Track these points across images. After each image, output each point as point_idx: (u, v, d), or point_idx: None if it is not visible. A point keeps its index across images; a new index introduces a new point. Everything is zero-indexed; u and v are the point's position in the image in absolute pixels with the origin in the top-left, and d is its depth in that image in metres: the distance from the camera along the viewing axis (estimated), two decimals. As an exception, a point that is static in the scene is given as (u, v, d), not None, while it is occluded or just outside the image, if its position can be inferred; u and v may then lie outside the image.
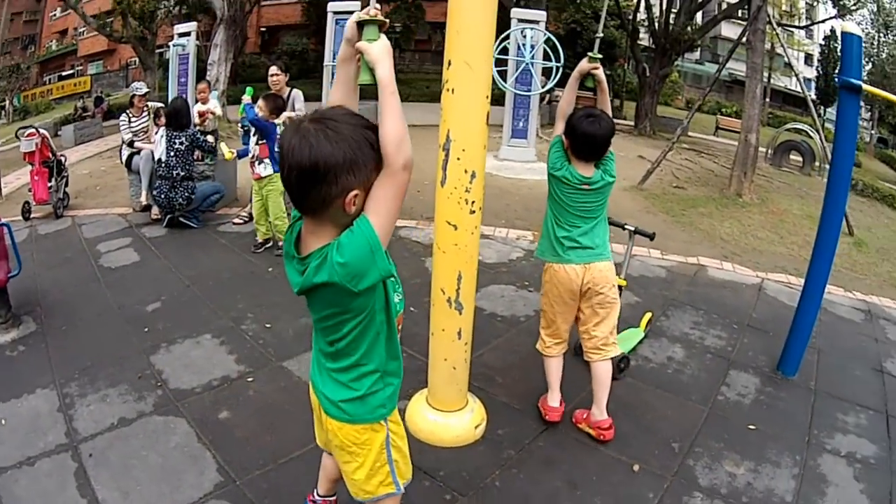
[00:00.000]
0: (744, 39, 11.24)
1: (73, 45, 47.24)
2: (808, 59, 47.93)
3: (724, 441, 3.71)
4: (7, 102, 29.90)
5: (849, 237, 9.51)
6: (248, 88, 6.89)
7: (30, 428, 3.57)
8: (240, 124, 7.67)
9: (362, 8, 1.92)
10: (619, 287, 4.27)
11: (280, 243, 6.34)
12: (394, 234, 5.77)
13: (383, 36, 1.89)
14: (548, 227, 3.61)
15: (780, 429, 3.90)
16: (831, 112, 49.44)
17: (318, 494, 2.68)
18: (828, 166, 10.65)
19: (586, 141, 3.36)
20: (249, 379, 4.15)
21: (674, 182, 12.21)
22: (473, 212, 3.13)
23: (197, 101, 9.52)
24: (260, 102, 6.29)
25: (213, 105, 9.12)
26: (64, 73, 46.07)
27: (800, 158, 17.31)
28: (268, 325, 4.91)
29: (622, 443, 3.59)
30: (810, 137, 17.11)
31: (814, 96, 44.70)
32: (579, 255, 3.49)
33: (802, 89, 11.29)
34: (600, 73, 3.60)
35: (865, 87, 4.02)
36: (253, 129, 6.52)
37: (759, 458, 3.57)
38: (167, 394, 3.93)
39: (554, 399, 3.71)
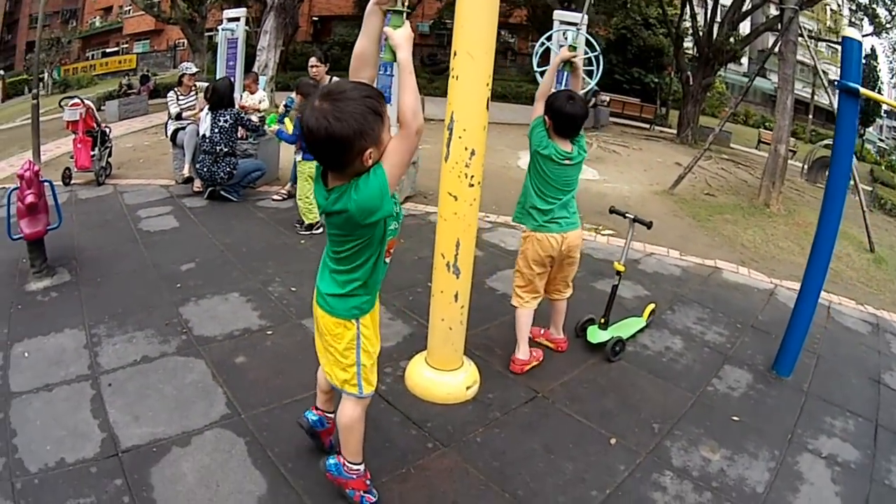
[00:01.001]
0: (776, 50, 11.32)
1: (118, 23, 48.10)
2: (848, 76, 47.25)
3: (705, 428, 3.84)
4: (46, 75, 30.52)
5: (869, 253, 9.55)
6: (270, 117, 7.28)
7: (53, 361, 3.94)
8: (283, 104, 7.99)
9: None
10: (618, 272, 4.56)
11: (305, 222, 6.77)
12: (423, 218, 6.05)
13: (407, 23, 2.35)
14: (531, 200, 4.05)
15: (763, 423, 4.00)
16: (871, 132, 48.56)
17: (317, 406, 3.09)
18: (860, 186, 10.71)
19: (568, 120, 3.82)
20: (269, 332, 4.50)
21: (705, 189, 12.29)
22: (472, 185, 3.46)
23: (245, 90, 9.89)
24: (295, 96, 6.75)
25: (259, 99, 9.38)
26: (108, 50, 47.10)
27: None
28: (293, 289, 5.24)
29: (604, 418, 3.80)
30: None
31: (855, 115, 43.96)
32: (559, 225, 3.97)
33: (830, 101, 11.28)
34: (578, 60, 4.08)
35: (863, 90, 4.17)
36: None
37: (737, 448, 3.68)
38: (191, 339, 4.29)
39: (521, 351, 4.14)
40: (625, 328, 4.80)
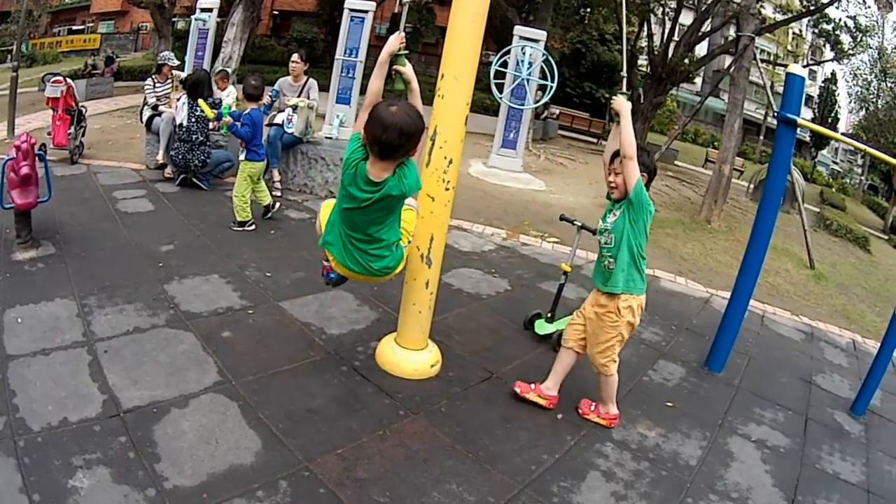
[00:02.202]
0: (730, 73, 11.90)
1: (86, 1, 47.11)
2: (809, 100, 48.42)
3: (642, 410, 4.32)
4: (15, 48, 29.94)
5: (809, 270, 10.14)
6: (224, 108, 7.44)
7: (47, 327, 4.17)
8: (268, 95, 8.30)
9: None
10: (564, 272, 5.05)
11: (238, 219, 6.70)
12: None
13: (408, 63, 3.68)
14: (638, 263, 3.81)
15: (695, 410, 4.46)
16: (825, 154, 49.93)
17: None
18: (805, 206, 11.24)
19: (654, 176, 3.87)
20: (250, 311, 4.84)
21: (648, 205, 12.77)
22: (448, 189, 3.99)
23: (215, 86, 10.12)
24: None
25: (228, 94, 9.49)
26: (74, 28, 45.79)
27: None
28: (268, 274, 5.58)
29: (552, 397, 4.26)
30: (792, 177, 17.78)
31: (808, 138, 45.17)
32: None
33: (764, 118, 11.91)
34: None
35: (800, 121, 4.69)
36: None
37: (671, 428, 4.15)
38: (178, 314, 4.61)
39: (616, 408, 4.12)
40: (565, 324, 5.22)
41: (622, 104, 3.81)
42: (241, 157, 6.66)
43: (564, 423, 4.01)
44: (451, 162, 3.91)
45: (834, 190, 35.29)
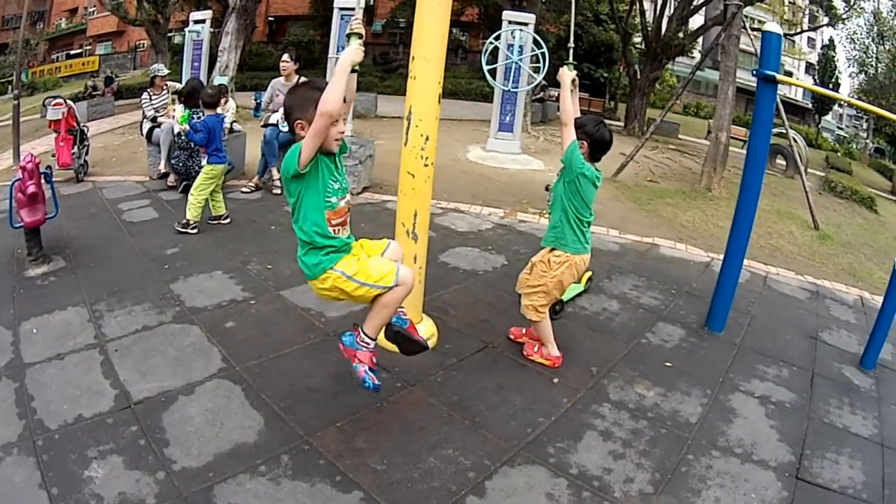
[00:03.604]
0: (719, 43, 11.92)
1: (82, 25, 46.97)
2: (809, 67, 48.18)
3: (640, 371, 4.39)
4: (15, 78, 30.33)
5: (813, 231, 10.14)
6: (183, 116, 7.76)
7: (61, 334, 4.35)
8: (253, 98, 8.49)
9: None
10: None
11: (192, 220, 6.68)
12: (380, 206, 6.48)
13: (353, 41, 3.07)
14: (570, 223, 4.12)
15: (695, 369, 4.50)
16: (828, 120, 49.58)
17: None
18: (808, 170, 11.16)
19: (605, 146, 4.14)
20: (252, 302, 5.02)
21: (648, 177, 12.90)
22: (427, 165, 4.11)
23: None
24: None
25: (231, 108, 9.59)
26: (72, 52, 46.00)
27: (783, 162, 17.95)
28: (269, 266, 5.75)
29: (547, 364, 4.38)
30: (796, 143, 17.76)
31: (810, 105, 44.90)
32: (589, 246, 4.25)
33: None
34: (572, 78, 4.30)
35: (779, 77, 4.74)
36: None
37: (670, 387, 4.19)
38: (184, 310, 4.79)
39: (555, 349, 4.38)
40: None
41: (564, 74, 4.19)
42: (204, 161, 6.80)
43: (561, 387, 4.10)
44: (427, 139, 4.02)
45: (840, 154, 35.00)
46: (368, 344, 3.28)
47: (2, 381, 3.77)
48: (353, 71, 3.02)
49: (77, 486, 2.91)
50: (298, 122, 2.98)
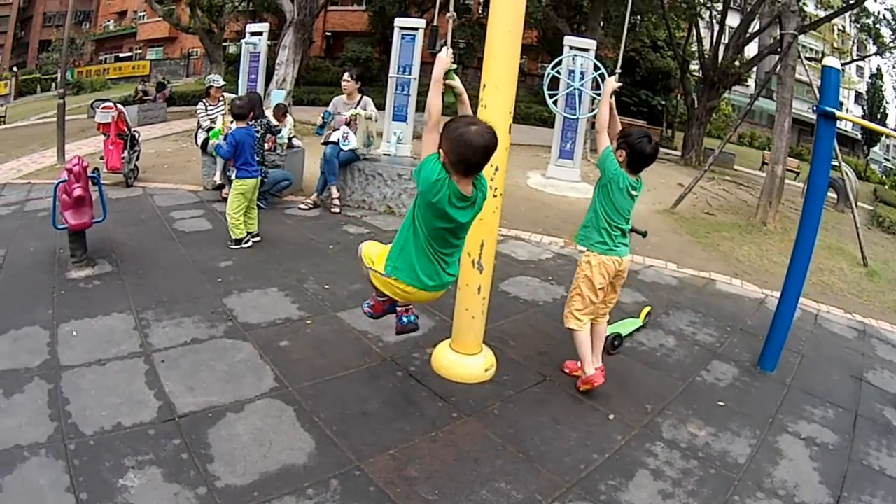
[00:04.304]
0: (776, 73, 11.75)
1: (132, 28, 48.08)
2: (858, 97, 47.44)
3: (693, 410, 4.31)
4: (60, 75, 31.20)
5: (862, 267, 9.92)
6: (214, 131, 7.91)
7: (103, 340, 4.37)
8: (321, 116, 8.57)
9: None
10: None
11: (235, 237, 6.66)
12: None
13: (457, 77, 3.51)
14: (598, 224, 4.22)
15: (747, 409, 4.43)
16: (877, 151, 48.74)
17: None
18: (858, 204, 10.90)
19: (645, 158, 4.12)
20: (308, 321, 5.00)
21: (706, 209, 12.70)
22: (496, 195, 4.10)
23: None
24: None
25: (284, 133, 9.60)
26: (121, 55, 47.15)
27: (835, 195, 17.59)
28: (326, 287, 5.74)
29: (603, 399, 4.29)
30: (848, 177, 17.40)
31: (859, 136, 44.18)
32: (622, 249, 4.25)
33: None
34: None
35: (839, 114, 4.66)
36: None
37: (721, 427, 4.12)
38: (236, 325, 4.78)
39: (590, 367, 4.31)
40: (623, 326, 5.31)
41: (609, 81, 4.44)
42: (232, 175, 6.78)
43: (616, 424, 4.03)
44: (497, 169, 4.03)
45: (887, 187, 34.27)
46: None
47: (34, 381, 3.79)
48: (448, 77, 3.46)
49: (109, 494, 2.90)
50: (440, 151, 3.13)
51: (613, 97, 4.36)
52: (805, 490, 3.61)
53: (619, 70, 4.54)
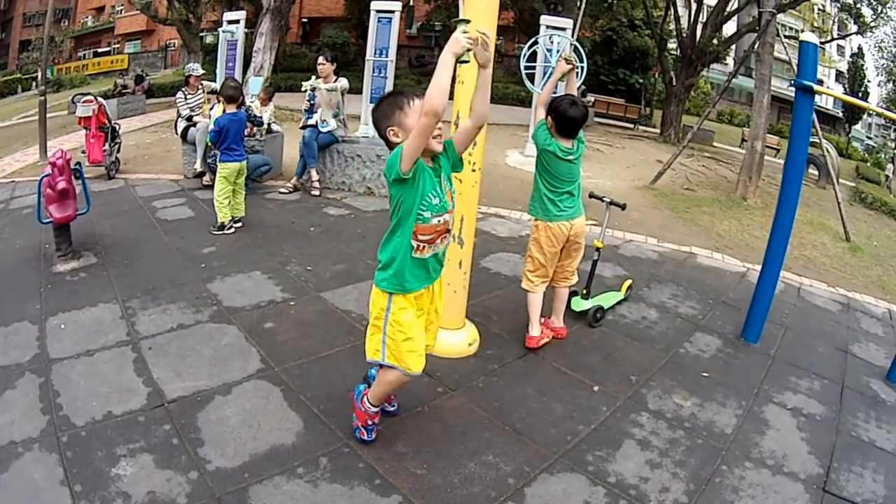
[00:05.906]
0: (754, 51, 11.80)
1: (110, 23, 47.71)
2: (839, 76, 47.69)
3: (678, 381, 4.34)
4: (40, 74, 31.03)
5: (845, 242, 10.03)
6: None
7: (91, 330, 4.37)
8: (307, 97, 8.60)
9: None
10: (597, 249, 5.14)
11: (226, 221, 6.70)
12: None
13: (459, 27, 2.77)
14: (540, 193, 4.45)
15: (731, 379, 4.46)
16: (858, 129, 49.05)
17: None
18: (840, 181, 11.01)
19: (570, 122, 4.27)
20: (292, 303, 5.02)
21: (685, 184, 12.76)
22: (474, 170, 4.15)
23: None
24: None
25: (266, 111, 9.53)
26: (100, 50, 46.85)
27: (815, 172, 17.73)
28: (309, 268, 5.76)
29: (588, 371, 4.35)
30: (828, 153, 17.53)
31: (841, 114, 44.44)
32: (567, 214, 4.38)
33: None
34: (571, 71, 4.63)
35: (816, 87, 4.69)
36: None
37: (707, 398, 4.15)
38: (221, 309, 4.79)
39: (535, 329, 4.56)
40: (605, 299, 5.36)
41: (560, 66, 4.62)
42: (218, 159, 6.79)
43: (601, 395, 4.07)
44: (475, 144, 4.01)
45: (869, 165, 34.56)
46: (370, 409, 3.29)
47: (25, 376, 3.79)
48: (460, 62, 2.77)
49: (103, 484, 2.90)
50: (390, 129, 2.91)
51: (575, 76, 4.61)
52: (794, 460, 3.63)
53: (571, 55, 4.70)
